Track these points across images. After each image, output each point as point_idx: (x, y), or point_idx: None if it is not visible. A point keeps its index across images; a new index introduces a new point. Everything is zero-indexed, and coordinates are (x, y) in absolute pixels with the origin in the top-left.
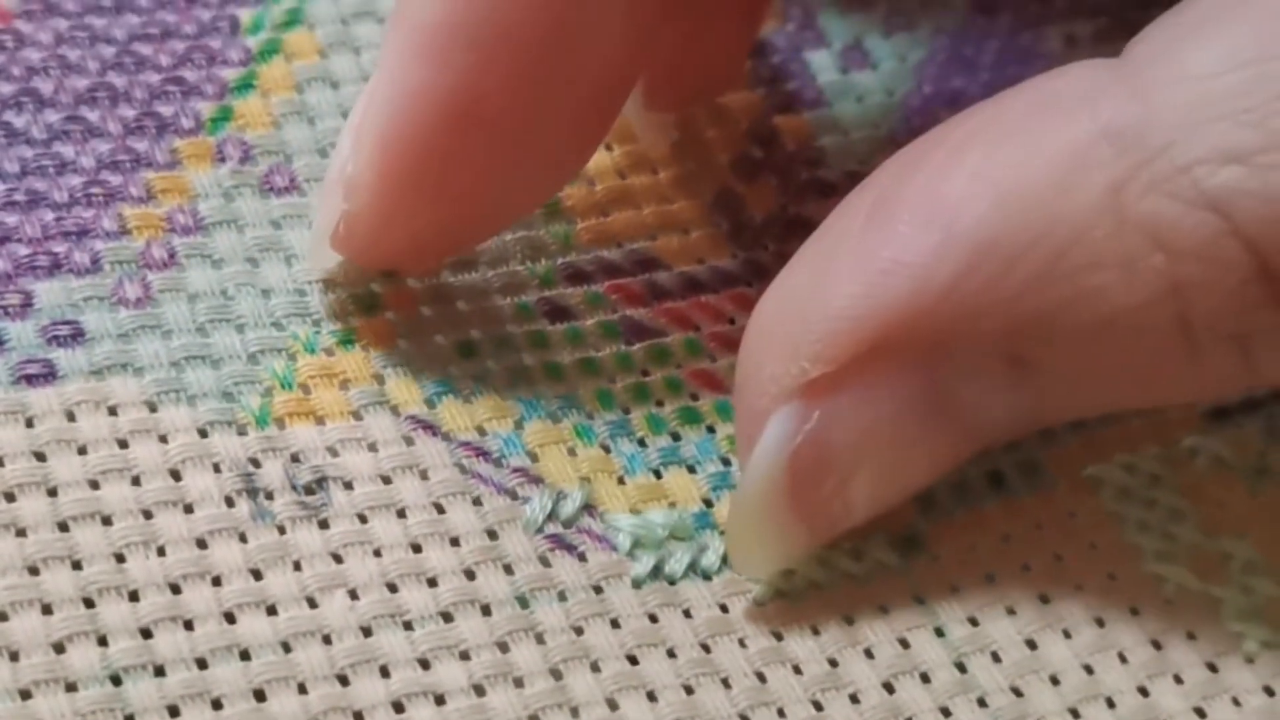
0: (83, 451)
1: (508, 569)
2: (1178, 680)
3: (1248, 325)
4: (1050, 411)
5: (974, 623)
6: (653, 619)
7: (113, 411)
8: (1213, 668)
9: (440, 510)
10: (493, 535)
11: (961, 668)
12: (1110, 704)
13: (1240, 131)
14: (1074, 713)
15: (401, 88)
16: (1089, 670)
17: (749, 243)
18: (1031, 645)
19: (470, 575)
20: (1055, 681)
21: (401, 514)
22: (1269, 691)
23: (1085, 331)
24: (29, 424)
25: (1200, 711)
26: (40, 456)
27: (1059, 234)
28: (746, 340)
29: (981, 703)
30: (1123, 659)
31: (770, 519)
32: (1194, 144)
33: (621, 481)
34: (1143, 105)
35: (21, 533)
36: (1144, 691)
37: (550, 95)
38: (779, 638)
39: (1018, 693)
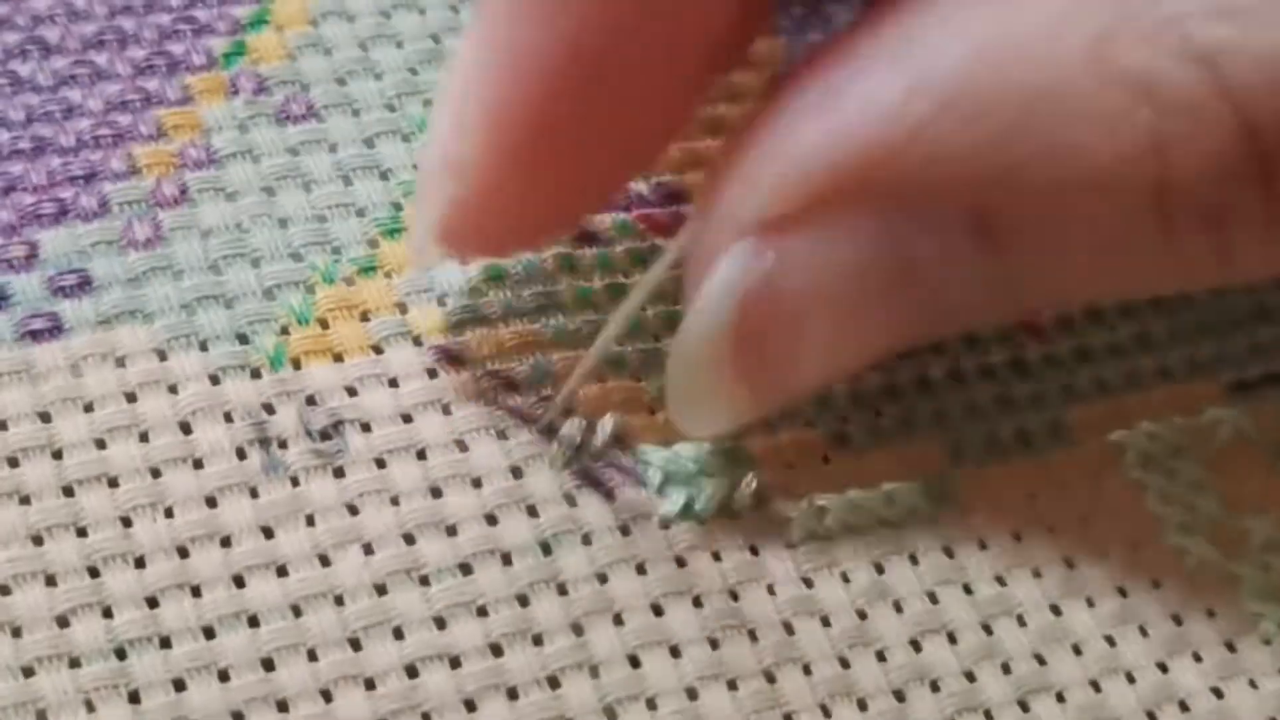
0: (89, 409)
1: (531, 511)
2: (1197, 658)
3: (1226, 198)
4: (1017, 291)
5: (1001, 582)
6: (680, 563)
7: (121, 363)
8: (1231, 647)
9: (463, 448)
10: (517, 473)
11: (988, 629)
12: (1130, 679)
13: None
14: (1095, 685)
15: (506, 49)
16: (1111, 642)
17: None
18: (1056, 611)
19: (492, 520)
20: (1078, 651)
21: (421, 455)
22: None
23: (1056, 191)
24: (34, 382)
25: (1218, 692)
26: (45, 417)
27: (1038, 82)
28: (706, 182)
29: (1006, 669)
30: (1144, 632)
31: (713, 367)
32: None
33: (652, 412)
34: None
35: (25, 500)
36: (1163, 667)
37: (664, 45)
38: (809, 584)
39: (1041, 660)
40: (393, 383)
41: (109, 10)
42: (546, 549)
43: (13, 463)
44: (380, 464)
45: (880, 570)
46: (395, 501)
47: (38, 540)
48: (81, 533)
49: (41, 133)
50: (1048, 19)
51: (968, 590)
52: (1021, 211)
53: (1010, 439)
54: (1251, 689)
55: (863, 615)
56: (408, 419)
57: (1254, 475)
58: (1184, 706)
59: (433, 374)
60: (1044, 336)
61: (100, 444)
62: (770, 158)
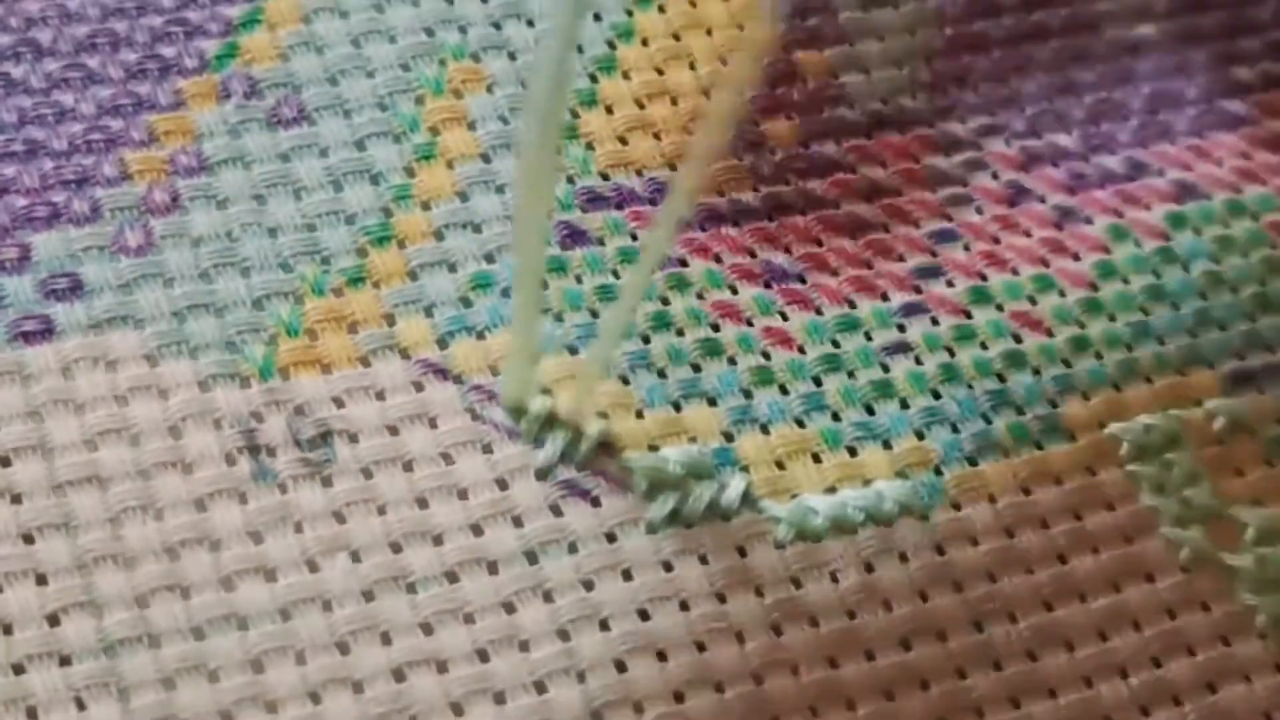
0: (80, 411)
1: (517, 521)
2: (1190, 653)
3: None
4: None
5: (992, 579)
6: (667, 568)
7: (112, 367)
8: (1225, 641)
9: (449, 461)
10: (503, 485)
11: (979, 627)
12: (1123, 675)
13: None
14: (1087, 681)
15: None
16: (1104, 637)
17: (770, 178)
18: (1049, 607)
19: (478, 531)
20: (1071, 648)
21: (408, 467)
22: None
23: None
24: (25, 383)
25: (1211, 687)
26: (37, 417)
27: None
28: None
29: (997, 666)
30: (1137, 627)
31: None
32: None
33: (640, 415)
34: None
35: (17, 499)
36: (1157, 663)
37: None
38: (797, 585)
39: (1033, 657)
40: (380, 395)
41: (101, 12)
42: (532, 558)
43: (4, 462)
44: (367, 474)
45: (870, 569)
46: (382, 511)
47: (29, 539)
48: (72, 533)
49: (34, 136)
50: None
51: (958, 588)
52: None
53: (1004, 433)
54: (1246, 684)
55: (851, 615)
56: (394, 431)
57: (1250, 467)
58: (1177, 702)
59: (419, 387)
60: (1041, 329)
61: (91, 446)
62: None
